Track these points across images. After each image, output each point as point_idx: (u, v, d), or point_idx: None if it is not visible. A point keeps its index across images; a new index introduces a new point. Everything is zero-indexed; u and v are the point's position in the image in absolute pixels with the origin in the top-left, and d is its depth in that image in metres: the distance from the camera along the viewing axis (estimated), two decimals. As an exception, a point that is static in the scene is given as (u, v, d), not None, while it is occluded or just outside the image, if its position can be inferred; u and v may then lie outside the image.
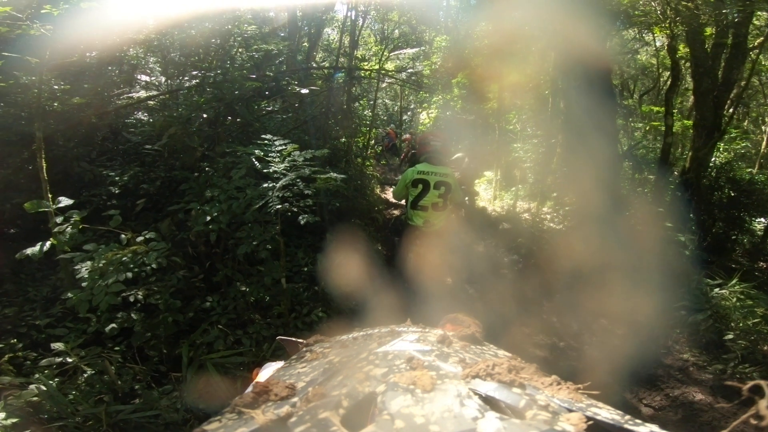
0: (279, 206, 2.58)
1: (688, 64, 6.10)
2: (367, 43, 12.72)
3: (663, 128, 5.92)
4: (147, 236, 2.43)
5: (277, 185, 2.59)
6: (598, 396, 0.45)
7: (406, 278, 3.02)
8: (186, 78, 4.29)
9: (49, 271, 2.84)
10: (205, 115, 3.75)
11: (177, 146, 3.54)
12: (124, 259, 2.22)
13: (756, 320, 3.27)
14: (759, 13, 5.10)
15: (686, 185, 5.19)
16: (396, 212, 6.52)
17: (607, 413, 0.40)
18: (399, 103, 15.35)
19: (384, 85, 10.55)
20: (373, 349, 0.55)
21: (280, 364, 0.74)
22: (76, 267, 2.20)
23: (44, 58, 2.42)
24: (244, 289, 2.92)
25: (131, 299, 2.39)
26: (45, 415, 1.82)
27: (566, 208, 5.52)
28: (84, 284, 2.12)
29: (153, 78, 4.68)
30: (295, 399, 0.44)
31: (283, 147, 2.73)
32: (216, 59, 4.48)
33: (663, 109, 6.10)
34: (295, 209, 2.67)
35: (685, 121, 7.30)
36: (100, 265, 2.16)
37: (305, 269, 3.50)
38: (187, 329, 2.63)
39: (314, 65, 7.37)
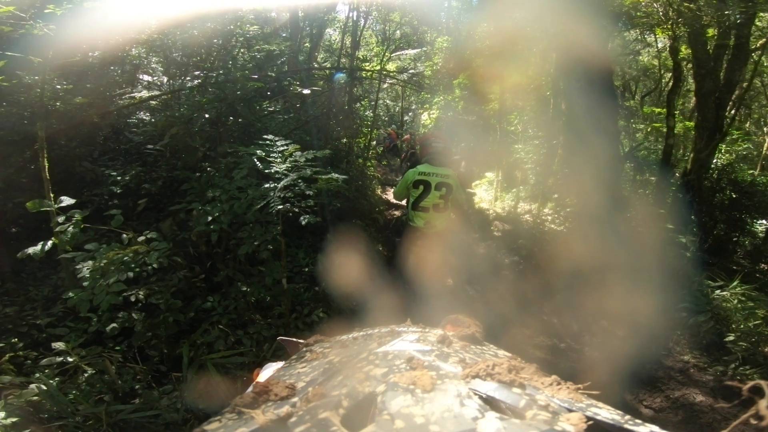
0: (280, 206, 2.58)
1: (690, 66, 6.08)
2: (369, 43, 12.71)
3: (664, 129, 5.91)
4: (148, 236, 2.43)
5: (279, 185, 2.59)
6: (598, 396, 0.45)
7: (407, 279, 3.01)
8: (188, 78, 4.29)
9: (51, 270, 2.84)
10: (207, 115, 3.76)
11: (179, 146, 3.55)
12: (125, 258, 2.22)
13: (757, 322, 3.26)
14: (761, 14, 5.09)
15: (687, 187, 5.18)
16: (397, 213, 6.52)
17: (607, 413, 0.40)
18: (400, 104, 15.35)
19: (385, 85, 10.56)
20: (373, 349, 0.55)
21: (280, 364, 0.74)
22: (77, 266, 2.20)
23: (47, 57, 2.42)
24: (245, 289, 2.92)
25: (132, 299, 2.39)
26: (45, 415, 1.82)
27: (567, 210, 5.52)
28: (85, 284, 2.12)
29: (155, 78, 4.69)
30: (295, 399, 0.44)
31: (285, 147, 2.74)
32: (218, 59, 4.49)
33: (665, 110, 6.10)
34: (297, 210, 2.67)
35: (687, 123, 7.28)
36: (102, 264, 2.16)
37: (306, 269, 3.50)
38: (188, 329, 2.63)
39: (316, 66, 7.37)
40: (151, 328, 2.43)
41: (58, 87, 3.18)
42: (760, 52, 5.37)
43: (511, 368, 0.46)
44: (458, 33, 9.98)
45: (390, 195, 7.03)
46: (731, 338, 3.22)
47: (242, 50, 4.81)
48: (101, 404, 1.92)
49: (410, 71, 8.28)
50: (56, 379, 1.99)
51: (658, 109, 7.77)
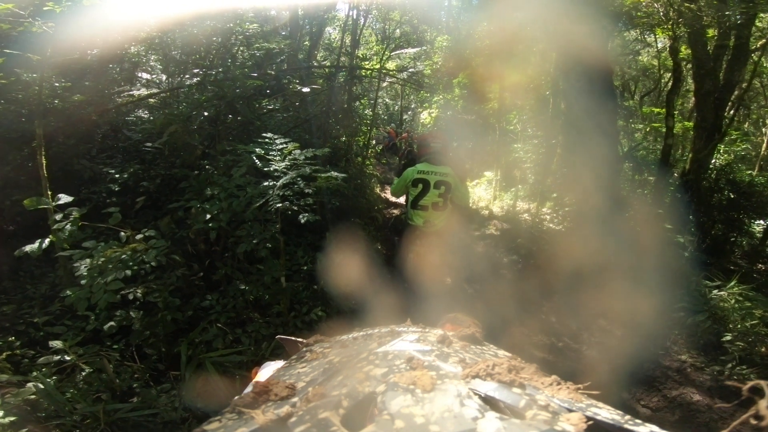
0: (279, 205, 2.58)
1: (689, 66, 6.10)
2: (369, 42, 12.71)
3: (663, 129, 5.92)
4: (146, 234, 2.43)
5: (278, 184, 2.59)
6: (596, 396, 0.45)
7: (406, 278, 3.02)
8: (187, 76, 4.28)
9: (48, 268, 2.83)
10: (205, 113, 3.75)
11: (177, 144, 3.54)
12: (123, 256, 2.22)
13: (754, 322, 3.28)
14: (761, 15, 5.10)
15: (686, 187, 5.20)
16: (396, 212, 6.52)
17: (607, 413, 0.40)
18: (400, 103, 15.36)
19: (385, 84, 10.56)
20: (373, 349, 0.55)
21: (279, 363, 0.74)
22: (75, 264, 2.19)
23: (46, 55, 2.41)
24: (243, 287, 2.92)
25: (130, 297, 2.39)
26: (43, 414, 1.81)
27: (566, 209, 5.53)
28: (83, 282, 2.11)
29: (154, 76, 4.67)
30: (295, 399, 0.44)
31: (284, 145, 2.73)
32: (217, 57, 4.47)
33: (664, 110, 6.11)
34: (296, 208, 2.66)
35: (686, 123, 7.31)
36: (99, 262, 2.16)
37: (305, 268, 3.50)
38: (186, 327, 2.62)
39: (315, 64, 7.37)
40: (149, 327, 2.42)
41: (57, 85, 3.17)
42: (759, 52, 5.38)
43: (511, 368, 0.46)
44: (458, 32, 9.99)
45: (389, 193, 7.03)
46: (728, 338, 3.24)
47: (242, 48, 4.79)
48: (99, 403, 1.91)
49: (410, 70, 8.26)
50: (54, 377, 1.98)
51: (657, 109, 7.80)
